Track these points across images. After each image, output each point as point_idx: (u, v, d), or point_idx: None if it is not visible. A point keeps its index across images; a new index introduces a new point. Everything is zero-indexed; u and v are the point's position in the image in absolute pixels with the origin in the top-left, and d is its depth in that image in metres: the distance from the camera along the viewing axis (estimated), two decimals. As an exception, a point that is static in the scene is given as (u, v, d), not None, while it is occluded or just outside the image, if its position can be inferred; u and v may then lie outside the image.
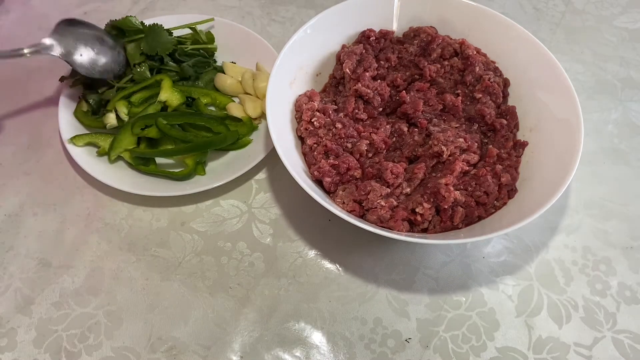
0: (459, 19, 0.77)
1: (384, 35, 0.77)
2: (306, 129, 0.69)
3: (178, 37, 0.80)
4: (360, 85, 0.71)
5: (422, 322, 0.65)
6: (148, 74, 0.76)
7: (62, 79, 0.78)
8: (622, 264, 0.70)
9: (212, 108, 0.80)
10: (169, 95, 0.75)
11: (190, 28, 0.82)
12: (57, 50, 0.72)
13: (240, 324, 0.64)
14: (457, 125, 0.70)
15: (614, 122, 0.85)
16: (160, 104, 0.75)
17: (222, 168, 0.74)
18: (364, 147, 0.67)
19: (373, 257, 0.69)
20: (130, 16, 0.77)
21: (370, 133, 0.69)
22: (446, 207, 0.61)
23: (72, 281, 0.66)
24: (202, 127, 0.74)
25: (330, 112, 0.70)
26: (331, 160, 0.65)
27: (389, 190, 0.64)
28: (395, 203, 0.62)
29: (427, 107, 0.72)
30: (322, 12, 0.74)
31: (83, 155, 0.72)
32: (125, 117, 0.74)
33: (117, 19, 0.78)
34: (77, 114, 0.76)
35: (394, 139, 0.70)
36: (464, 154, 0.66)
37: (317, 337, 0.63)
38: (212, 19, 0.84)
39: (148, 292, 0.66)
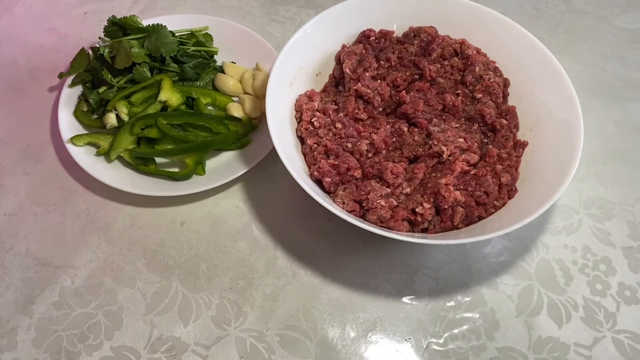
0: (459, 19, 0.77)
1: (384, 35, 0.77)
2: (306, 129, 0.69)
3: (179, 37, 0.80)
4: (360, 85, 0.71)
5: (422, 322, 0.65)
6: (148, 74, 0.76)
7: (60, 75, 0.78)
8: (622, 264, 0.70)
9: (212, 108, 0.80)
10: (169, 95, 0.75)
11: (192, 34, 0.82)
12: None
13: (240, 324, 0.64)
14: (457, 125, 0.70)
15: (614, 122, 0.85)
16: (160, 104, 0.75)
17: (222, 168, 0.74)
18: (364, 147, 0.67)
19: (373, 257, 0.69)
20: (134, 15, 0.78)
21: (370, 133, 0.69)
22: (446, 207, 0.61)
23: (72, 281, 0.66)
24: (202, 127, 0.74)
25: (331, 112, 0.70)
26: (331, 160, 0.65)
27: (389, 190, 0.64)
28: (395, 203, 0.62)
29: (427, 107, 0.72)
30: (322, 12, 0.73)
31: (83, 155, 0.72)
32: (125, 117, 0.74)
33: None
34: (77, 114, 0.76)
35: (394, 139, 0.70)
36: (464, 154, 0.66)
37: (317, 337, 0.63)
38: (207, 27, 0.84)
39: (148, 292, 0.66)
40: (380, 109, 0.73)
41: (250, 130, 0.77)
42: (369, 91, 0.71)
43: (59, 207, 0.72)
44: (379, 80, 0.74)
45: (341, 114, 0.70)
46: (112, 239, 0.70)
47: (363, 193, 0.62)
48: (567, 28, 0.98)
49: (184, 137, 0.72)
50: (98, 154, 0.73)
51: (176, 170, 0.74)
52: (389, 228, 0.62)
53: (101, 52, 0.76)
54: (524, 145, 0.70)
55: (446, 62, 0.75)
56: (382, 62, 0.76)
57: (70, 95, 0.77)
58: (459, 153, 0.66)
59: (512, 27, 0.74)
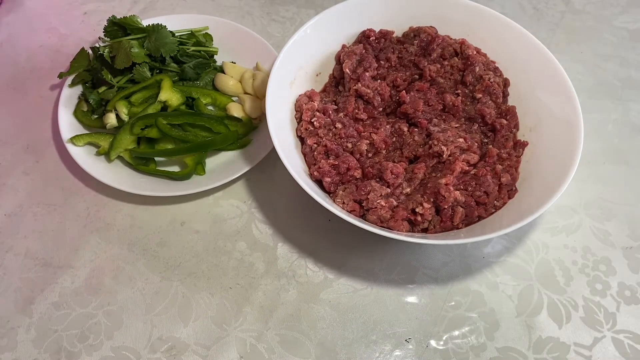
0: (458, 19, 0.77)
1: (384, 35, 0.77)
2: (306, 129, 0.69)
3: (179, 37, 0.80)
4: (360, 85, 0.71)
5: (422, 322, 0.65)
6: (148, 74, 0.76)
7: (60, 75, 0.78)
8: (622, 264, 0.70)
9: (212, 108, 0.80)
10: (169, 95, 0.75)
11: (192, 34, 0.82)
12: None
13: (240, 324, 0.64)
14: (457, 125, 0.70)
15: (614, 122, 0.85)
16: (160, 104, 0.75)
17: (222, 168, 0.74)
18: (364, 147, 0.67)
19: (373, 257, 0.69)
20: (134, 15, 0.78)
21: (370, 133, 0.69)
22: (446, 207, 0.61)
23: (72, 281, 0.66)
24: (202, 127, 0.74)
25: (330, 112, 0.70)
26: (331, 160, 0.65)
27: (389, 190, 0.64)
28: (395, 203, 0.62)
29: (427, 107, 0.72)
30: (322, 12, 0.74)
31: (83, 155, 0.72)
32: (125, 117, 0.74)
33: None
34: (77, 114, 0.76)
35: (394, 139, 0.70)
36: (464, 154, 0.66)
37: (316, 337, 0.63)
38: (207, 28, 0.84)
39: (148, 292, 0.66)
40: (380, 109, 0.73)
41: (250, 130, 0.77)
42: (369, 91, 0.71)
43: (59, 207, 0.72)
44: (379, 80, 0.74)
45: (341, 114, 0.70)
46: (112, 239, 0.70)
47: (363, 193, 0.62)
48: (567, 28, 0.98)
49: (184, 137, 0.72)
50: (98, 154, 0.73)
51: (176, 170, 0.74)
52: (389, 228, 0.62)
53: (101, 52, 0.76)
54: (524, 145, 0.70)
55: (446, 62, 0.75)
56: (382, 62, 0.76)
57: (70, 95, 0.77)
58: (459, 153, 0.66)
59: (512, 27, 0.74)
